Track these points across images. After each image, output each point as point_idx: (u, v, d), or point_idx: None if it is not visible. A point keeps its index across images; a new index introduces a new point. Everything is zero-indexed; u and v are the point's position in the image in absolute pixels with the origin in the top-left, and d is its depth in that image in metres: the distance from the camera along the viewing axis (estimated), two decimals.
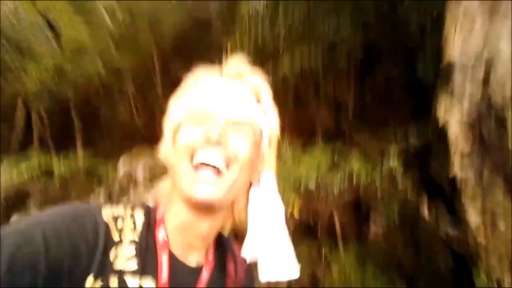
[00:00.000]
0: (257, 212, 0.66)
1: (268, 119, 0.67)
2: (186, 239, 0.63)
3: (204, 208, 0.61)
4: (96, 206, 0.60)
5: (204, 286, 0.65)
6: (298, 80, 4.53)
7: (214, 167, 0.58)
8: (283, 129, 0.71)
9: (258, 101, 0.66)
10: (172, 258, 0.62)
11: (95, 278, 0.53)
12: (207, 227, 0.64)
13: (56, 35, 6.20)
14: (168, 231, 0.63)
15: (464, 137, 2.11)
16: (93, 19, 6.69)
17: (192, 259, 0.65)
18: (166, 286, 0.59)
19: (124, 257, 0.57)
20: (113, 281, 0.54)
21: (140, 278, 0.57)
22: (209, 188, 0.58)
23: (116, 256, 0.56)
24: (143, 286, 0.57)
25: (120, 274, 0.55)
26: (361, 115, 4.11)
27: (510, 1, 2.94)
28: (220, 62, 0.68)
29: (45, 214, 0.54)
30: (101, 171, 5.33)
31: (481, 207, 2.09)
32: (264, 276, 0.65)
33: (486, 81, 2.28)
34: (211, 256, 0.69)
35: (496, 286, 2.03)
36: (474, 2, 2.26)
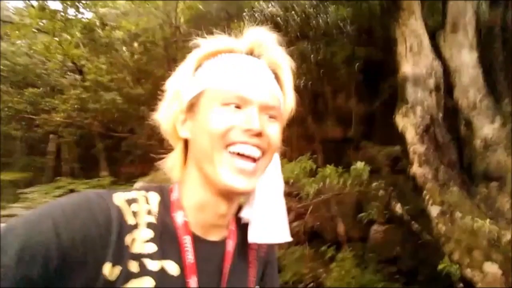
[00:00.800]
0: (260, 184, 0.65)
1: (286, 98, 0.64)
2: (206, 218, 0.62)
3: (235, 196, 0.61)
4: (107, 192, 0.57)
5: (231, 257, 0.64)
6: None
7: (250, 155, 0.56)
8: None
9: (277, 78, 0.63)
10: (195, 238, 0.60)
11: (113, 264, 0.51)
12: (227, 207, 0.62)
13: (83, 78, 7.02)
14: (187, 211, 0.61)
15: (419, 139, 2.43)
16: (112, 54, 7.46)
17: (214, 235, 0.64)
18: (194, 267, 0.58)
19: (141, 240, 0.55)
20: (133, 265, 0.53)
21: (161, 261, 0.56)
22: (247, 179, 0.57)
23: (133, 240, 0.54)
24: (166, 269, 0.56)
25: (139, 257, 0.54)
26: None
27: (467, 19, 3.29)
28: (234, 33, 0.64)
29: (54, 203, 0.52)
30: None
31: (440, 199, 2.38)
32: (254, 237, 0.65)
33: (437, 89, 2.62)
34: (233, 227, 0.68)
35: (457, 266, 2.29)
36: (419, 24, 2.63)
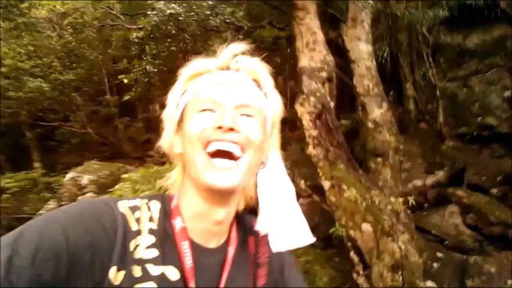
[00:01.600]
0: (267, 191, 0.66)
1: (270, 101, 0.66)
2: (203, 226, 0.63)
3: (221, 196, 0.61)
4: (111, 199, 0.60)
5: (230, 264, 0.65)
6: None
7: (229, 153, 0.58)
8: None
9: (258, 86, 0.66)
10: (193, 245, 0.61)
11: (118, 269, 0.53)
12: (223, 214, 0.63)
13: None
14: (185, 219, 0.62)
15: (313, 124, 2.82)
16: (34, 36, 6.92)
17: (212, 242, 0.65)
18: (192, 272, 0.59)
19: (144, 246, 0.57)
20: (136, 270, 0.55)
21: (162, 266, 0.57)
22: (227, 176, 0.57)
23: (136, 246, 0.56)
24: (166, 274, 0.57)
25: (142, 263, 0.55)
26: None
27: (363, 15, 3.72)
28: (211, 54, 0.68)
29: (63, 209, 0.54)
30: (54, 182, 5.72)
31: (330, 175, 2.82)
32: (276, 246, 0.66)
33: (329, 80, 3.02)
34: (234, 234, 0.68)
35: (343, 229, 2.78)
36: (314, 22, 2.97)
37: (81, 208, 0.55)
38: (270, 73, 0.67)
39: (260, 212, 0.66)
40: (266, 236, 0.68)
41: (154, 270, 0.56)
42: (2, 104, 6.49)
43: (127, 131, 9.13)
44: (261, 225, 0.66)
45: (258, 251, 0.70)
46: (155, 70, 5.63)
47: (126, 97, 7.03)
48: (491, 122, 5.47)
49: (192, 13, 4.71)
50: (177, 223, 0.62)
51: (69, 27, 6.96)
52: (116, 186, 2.92)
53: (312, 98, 2.87)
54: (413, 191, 4.65)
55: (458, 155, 5.11)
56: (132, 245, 0.56)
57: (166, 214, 0.63)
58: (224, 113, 0.58)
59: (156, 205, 0.63)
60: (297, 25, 2.94)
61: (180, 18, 4.68)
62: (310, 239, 0.68)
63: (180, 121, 0.63)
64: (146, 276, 0.55)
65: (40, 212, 4.81)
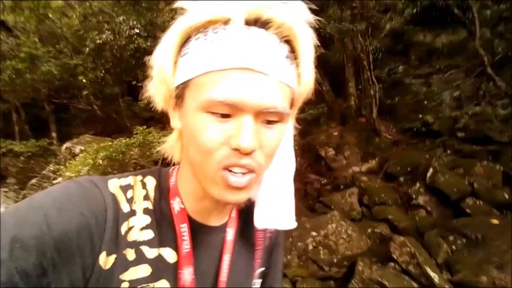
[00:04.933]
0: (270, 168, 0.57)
1: (302, 76, 0.50)
2: (205, 205, 0.58)
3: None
4: (101, 179, 0.54)
5: (231, 244, 0.61)
6: None
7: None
8: None
9: (292, 51, 0.49)
10: (192, 223, 0.57)
11: (108, 253, 0.49)
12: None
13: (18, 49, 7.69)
14: (184, 198, 0.58)
15: None
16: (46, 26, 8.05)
17: (214, 220, 0.61)
18: (189, 256, 0.55)
19: (138, 227, 0.53)
20: (130, 253, 0.51)
21: (158, 248, 0.54)
22: (241, 194, 0.50)
23: (129, 228, 0.52)
24: (163, 256, 0.54)
25: (136, 245, 0.52)
26: None
27: None
28: None
29: (45, 193, 0.49)
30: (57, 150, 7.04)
31: None
32: (257, 221, 0.62)
33: None
34: (234, 213, 0.64)
35: None
36: None
37: (66, 190, 0.50)
38: (312, 34, 0.49)
39: (261, 186, 0.61)
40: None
41: (150, 252, 0.53)
42: (23, 82, 7.82)
43: (130, 109, 10.34)
44: (252, 194, 0.59)
45: (265, 231, 0.68)
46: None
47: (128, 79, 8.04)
48: (429, 119, 6.08)
49: None
50: (175, 204, 0.57)
51: (78, 14, 8.03)
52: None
53: None
54: (351, 175, 5.49)
55: (388, 147, 5.84)
56: (124, 228, 0.51)
57: (163, 192, 0.58)
58: (242, 129, 0.45)
59: (151, 182, 0.58)
60: None
61: None
62: (293, 224, 0.64)
63: (180, 96, 0.50)
64: (140, 259, 0.51)
65: (43, 172, 6.12)
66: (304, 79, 0.51)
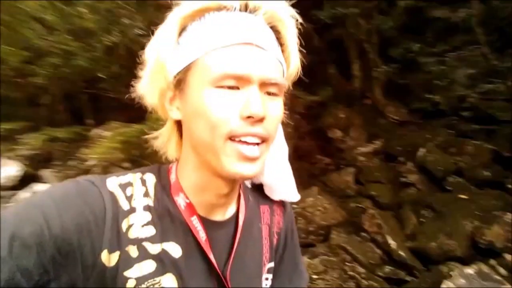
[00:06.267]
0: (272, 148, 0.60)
1: (290, 59, 0.56)
2: (207, 199, 0.59)
3: (241, 180, 0.60)
4: (99, 178, 0.55)
5: (240, 235, 0.62)
6: None
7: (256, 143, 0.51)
8: None
9: (278, 37, 0.54)
10: (200, 218, 0.58)
11: (110, 251, 0.50)
12: (230, 187, 0.59)
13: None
14: (187, 193, 0.58)
15: None
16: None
17: (218, 215, 0.61)
18: (207, 244, 0.57)
19: (139, 224, 0.54)
20: (133, 250, 0.52)
21: (161, 243, 0.54)
22: (253, 166, 0.52)
23: (130, 225, 0.53)
24: (167, 250, 0.54)
25: (138, 242, 0.53)
26: None
27: None
28: None
29: (45, 192, 0.50)
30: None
31: None
32: (270, 194, 0.70)
33: None
34: (242, 206, 0.65)
35: None
36: None
37: (65, 190, 0.51)
38: (295, 21, 0.53)
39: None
40: (281, 205, 0.70)
41: (152, 248, 0.53)
42: (58, 74, 8.70)
43: None
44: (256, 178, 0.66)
45: (273, 220, 0.69)
46: None
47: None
48: (438, 99, 6.03)
49: None
50: (180, 200, 0.58)
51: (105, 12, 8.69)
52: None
53: None
54: (359, 155, 5.72)
55: (394, 128, 5.93)
56: (124, 225, 0.52)
57: (164, 188, 0.59)
58: (251, 97, 0.49)
59: (151, 179, 0.58)
60: None
61: None
62: (296, 197, 0.70)
63: (182, 80, 0.53)
64: (144, 255, 0.52)
65: (77, 155, 6.96)
66: (291, 61, 0.56)
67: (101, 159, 5.58)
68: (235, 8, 0.52)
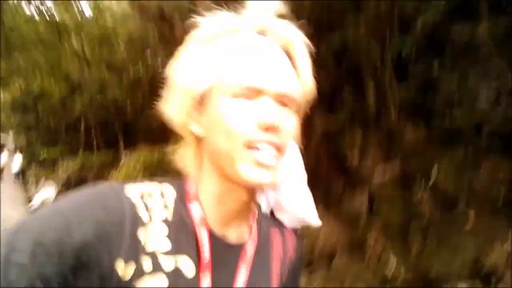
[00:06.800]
0: (283, 174, 0.62)
1: (303, 81, 0.57)
2: (223, 212, 0.58)
3: (257, 188, 0.57)
4: (121, 186, 0.55)
5: (250, 262, 0.60)
6: None
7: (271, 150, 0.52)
8: None
9: (291, 59, 0.57)
10: (212, 236, 0.57)
11: (126, 261, 0.49)
12: (249, 194, 0.58)
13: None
14: (204, 206, 0.58)
15: None
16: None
17: (231, 236, 0.60)
18: (210, 264, 0.55)
19: (155, 236, 0.53)
20: (147, 263, 0.51)
21: (175, 257, 0.53)
22: (269, 174, 0.53)
23: (147, 236, 0.52)
24: (180, 266, 0.53)
25: (153, 254, 0.51)
26: None
27: None
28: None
29: (68, 199, 0.50)
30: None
31: None
32: (288, 223, 0.69)
33: None
34: (255, 231, 0.64)
35: None
36: None
37: (87, 196, 0.51)
38: (308, 46, 0.57)
39: (264, 191, 0.65)
40: (293, 236, 0.69)
41: (166, 262, 0.52)
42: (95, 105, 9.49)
43: None
44: (263, 205, 0.66)
45: (286, 251, 0.67)
46: None
47: None
48: (458, 116, 5.88)
49: None
50: (195, 212, 0.57)
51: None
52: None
53: None
54: (374, 177, 5.69)
55: (411, 148, 5.84)
56: (142, 236, 0.51)
57: (182, 201, 0.58)
58: (266, 106, 0.52)
59: (170, 191, 0.58)
60: None
61: None
62: (317, 221, 0.69)
63: (204, 97, 0.55)
64: (157, 269, 0.51)
65: (108, 177, 7.49)
66: (305, 84, 0.58)
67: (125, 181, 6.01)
68: (250, 30, 0.56)
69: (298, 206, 0.68)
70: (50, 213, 0.48)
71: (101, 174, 8.40)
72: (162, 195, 0.57)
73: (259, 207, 0.68)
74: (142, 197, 0.55)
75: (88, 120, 11.04)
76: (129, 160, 6.36)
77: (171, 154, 0.63)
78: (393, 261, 2.82)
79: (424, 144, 6.07)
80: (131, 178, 5.36)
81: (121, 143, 11.14)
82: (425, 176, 4.82)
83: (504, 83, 6.18)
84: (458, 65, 7.17)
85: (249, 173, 0.52)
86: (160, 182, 0.60)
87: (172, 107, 0.58)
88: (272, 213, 0.71)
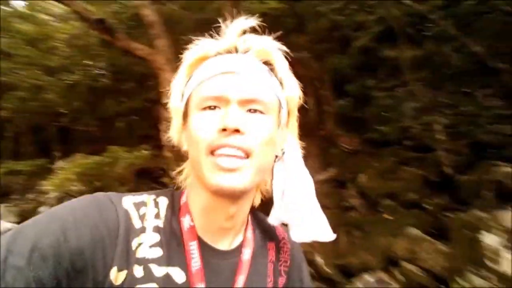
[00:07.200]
0: (283, 184, 0.64)
1: (285, 87, 0.61)
2: (213, 222, 0.60)
3: (230, 195, 0.57)
4: (116, 195, 0.57)
5: (247, 268, 0.61)
6: None
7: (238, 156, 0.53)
8: None
9: (272, 70, 0.61)
10: (203, 245, 0.59)
11: (119, 269, 0.50)
12: (235, 208, 0.59)
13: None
14: (194, 216, 0.60)
15: None
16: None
17: (224, 243, 0.61)
18: (199, 275, 0.56)
19: (147, 244, 0.54)
20: (138, 270, 0.51)
21: (167, 267, 0.54)
22: (233, 177, 0.53)
23: (139, 244, 0.54)
24: (171, 275, 0.54)
25: (144, 262, 0.53)
26: None
27: None
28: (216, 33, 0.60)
29: (65, 205, 0.52)
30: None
31: None
32: (296, 236, 0.65)
33: None
34: (250, 235, 0.65)
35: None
36: None
37: (83, 204, 0.53)
38: (284, 54, 0.61)
39: (274, 206, 0.64)
40: (288, 242, 0.69)
41: (158, 270, 0.53)
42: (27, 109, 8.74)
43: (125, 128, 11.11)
44: (272, 219, 0.65)
45: (279, 258, 0.69)
46: None
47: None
48: (385, 130, 6.54)
49: None
50: (186, 221, 0.59)
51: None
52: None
53: None
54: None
55: (346, 157, 6.33)
56: (134, 244, 0.53)
57: (174, 211, 0.60)
58: (228, 112, 0.54)
59: (164, 202, 0.61)
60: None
61: None
62: (331, 235, 0.65)
63: (185, 115, 0.60)
64: (148, 277, 0.52)
65: (37, 188, 6.91)
66: (287, 86, 0.61)
67: (59, 191, 5.61)
68: (229, 51, 0.60)
69: (307, 219, 0.67)
70: (47, 218, 0.49)
71: (29, 184, 7.70)
72: (156, 204, 0.60)
73: (255, 216, 0.70)
74: (136, 206, 0.57)
75: (17, 125, 10.11)
76: (63, 168, 5.95)
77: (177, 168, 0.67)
78: (318, 256, 3.08)
79: (358, 153, 6.59)
80: (64, 188, 5.02)
81: (58, 152, 10.36)
82: (354, 181, 5.22)
83: (425, 102, 7.03)
84: (388, 83, 7.99)
85: (214, 179, 0.54)
86: (157, 193, 0.63)
87: (172, 132, 0.64)
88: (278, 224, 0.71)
